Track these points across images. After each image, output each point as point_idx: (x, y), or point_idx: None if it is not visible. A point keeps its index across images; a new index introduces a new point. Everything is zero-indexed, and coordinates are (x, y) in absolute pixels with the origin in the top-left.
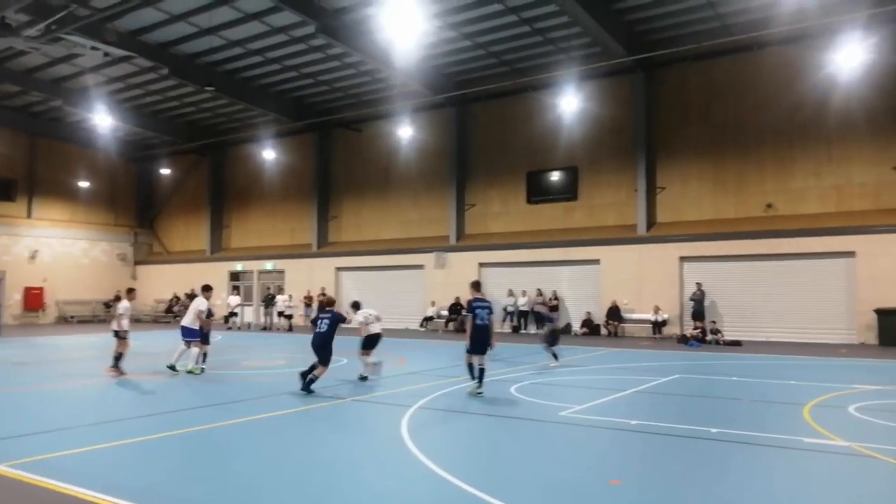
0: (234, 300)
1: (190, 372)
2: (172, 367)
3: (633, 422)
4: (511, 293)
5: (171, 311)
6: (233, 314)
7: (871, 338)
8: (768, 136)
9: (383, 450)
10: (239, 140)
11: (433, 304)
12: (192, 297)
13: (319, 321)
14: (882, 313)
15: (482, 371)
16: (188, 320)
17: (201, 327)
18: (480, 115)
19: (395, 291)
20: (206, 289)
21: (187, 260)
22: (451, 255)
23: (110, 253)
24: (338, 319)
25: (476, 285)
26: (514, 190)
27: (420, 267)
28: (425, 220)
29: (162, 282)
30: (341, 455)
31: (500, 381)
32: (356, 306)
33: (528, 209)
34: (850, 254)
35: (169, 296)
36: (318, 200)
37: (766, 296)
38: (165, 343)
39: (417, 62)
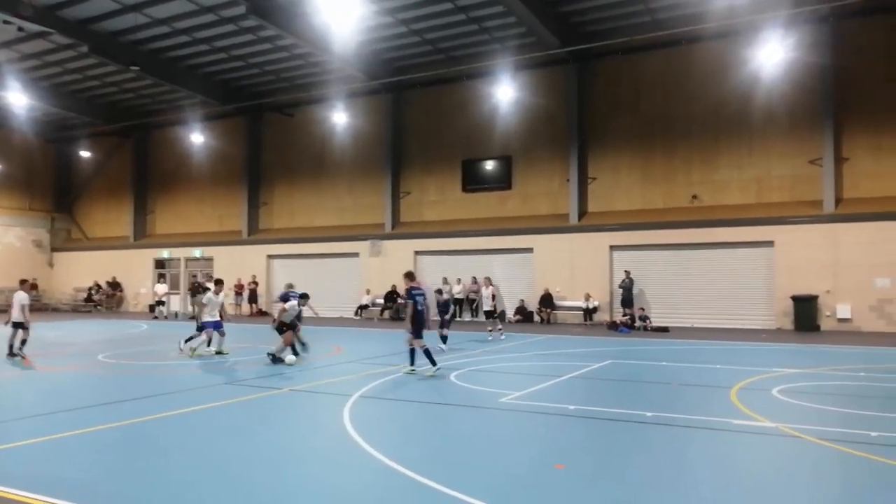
0: (161, 288)
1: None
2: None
3: (572, 407)
4: (446, 281)
5: (91, 299)
6: (160, 303)
7: (788, 323)
8: (695, 129)
9: (326, 441)
10: (164, 122)
11: (368, 292)
12: (114, 285)
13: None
14: (797, 300)
15: (428, 351)
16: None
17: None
18: (417, 102)
19: (330, 280)
20: (217, 283)
21: (109, 247)
22: (387, 243)
23: (25, 239)
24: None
25: (410, 275)
26: (449, 178)
27: (355, 255)
28: (360, 207)
29: (81, 269)
30: (283, 448)
31: (440, 369)
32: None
33: (463, 197)
34: (769, 243)
35: (89, 283)
36: (249, 186)
37: (691, 283)
38: (85, 333)
39: (353, 47)
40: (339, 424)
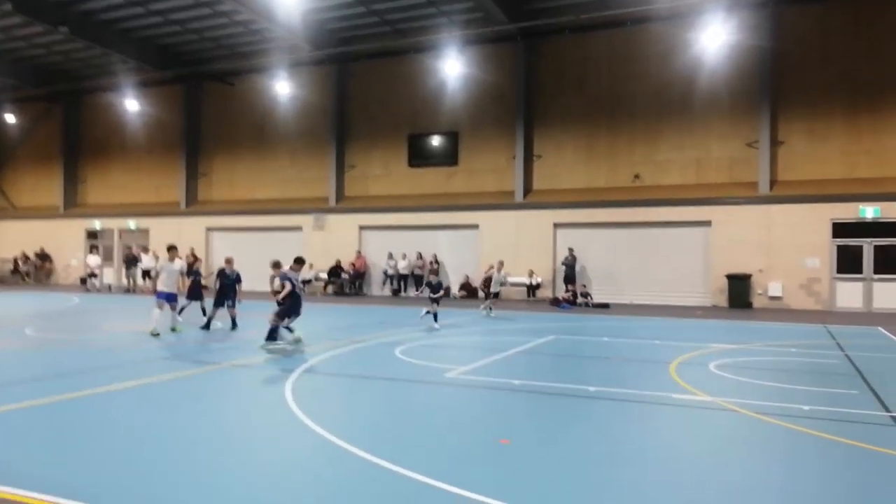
0: (94, 260)
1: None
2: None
3: (516, 381)
4: (391, 256)
5: (17, 270)
6: (92, 275)
7: (723, 300)
8: (639, 110)
9: (267, 417)
10: (97, 88)
11: (311, 266)
12: (42, 256)
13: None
14: (732, 278)
15: (290, 329)
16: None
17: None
18: (362, 74)
19: (271, 253)
20: (171, 249)
21: (37, 216)
22: (331, 217)
23: None
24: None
25: (277, 264)
26: (395, 153)
27: (298, 229)
28: (304, 180)
29: (7, 240)
30: (224, 425)
31: (385, 344)
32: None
33: (409, 172)
34: (707, 223)
35: (16, 254)
36: (187, 156)
37: (632, 261)
38: (11, 306)
39: (297, 15)
40: (282, 400)
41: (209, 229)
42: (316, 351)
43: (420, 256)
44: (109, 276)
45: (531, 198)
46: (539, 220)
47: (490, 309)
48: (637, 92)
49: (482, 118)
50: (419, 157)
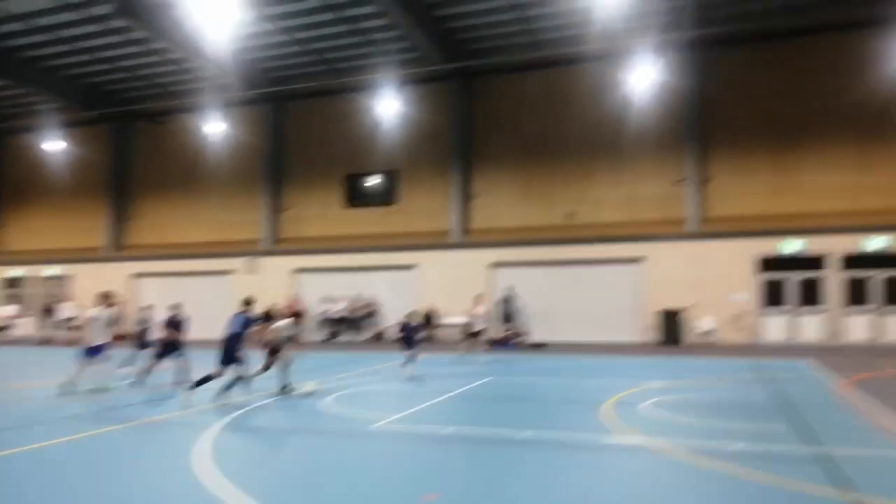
0: (8, 311)
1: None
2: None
3: (448, 429)
4: (328, 299)
5: None
6: (3, 328)
7: (655, 337)
8: (573, 148)
9: (175, 479)
10: (19, 128)
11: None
12: None
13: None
14: (664, 314)
15: (208, 378)
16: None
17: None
18: (298, 114)
19: (201, 299)
20: (106, 296)
21: None
22: (265, 260)
23: None
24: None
25: (247, 302)
26: (332, 193)
27: (230, 272)
28: (237, 222)
29: None
30: (127, 492)
31: (315, 393)
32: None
33: (346, 213)
34: (640, 260)
35: None
36: (114, 198)
37: (568, 299)
38: None
39: (230, 54)
40: (195, 459)
41: (136, 275)
42: (240, 403)
43: (357, 299)
44: (29, 326)
45: (469, 237)
46: (477, 260)
47: (473, 352)
48: (571, 131)
49: (420, 158)
50: (356, 197)
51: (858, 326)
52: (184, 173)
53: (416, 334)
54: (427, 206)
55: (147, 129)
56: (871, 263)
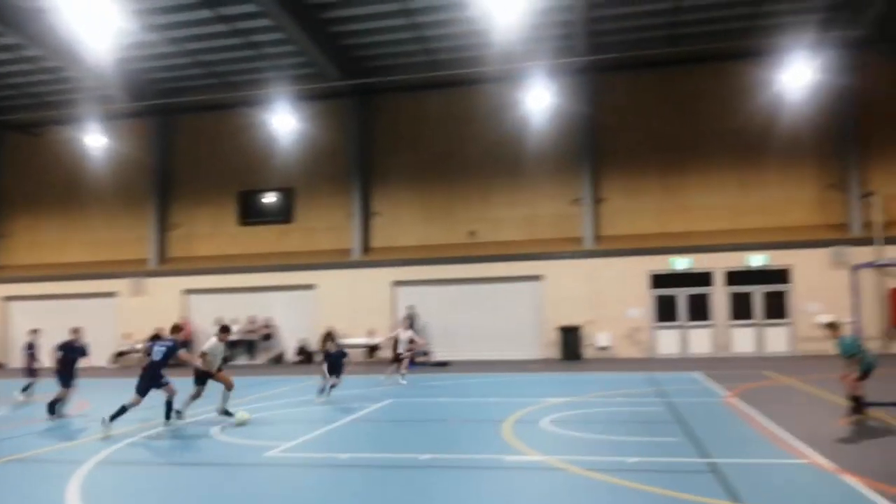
0: None
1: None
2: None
3: (344, 455)
4: (222, 321)
5: None
6: None
7: (555, 353)
8: (472, 168)
9: None
10: None
11: (128, 336)
12: None
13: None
14: (563, 330)
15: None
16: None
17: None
18: (188, 128)
19: (81, 323)
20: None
21: None
22: (151, 281)
23: None
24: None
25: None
26: (225, 210)
27: (114, 294)
28: (120, 241)
29: None
30: None
31: (204, 422)
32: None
33: (240, 231)
34: (538, 277)
35: None
36: None
37: (470, 317)
38: None
39: (112, 63)
40: (62, 498)
41: (7, 298)
42: (119, 435)
43: (253, 320)
44: None
45: (369, 256)
46: (378, 279)
47: (402, 374)
48: (471, 150)
49: (318, 175)
50: (251, 214)
51: (743, 339)
52: (63, 189)
53: (342, 358)
54: (326, 224)
55: (20, 141)
56: (753, 279)
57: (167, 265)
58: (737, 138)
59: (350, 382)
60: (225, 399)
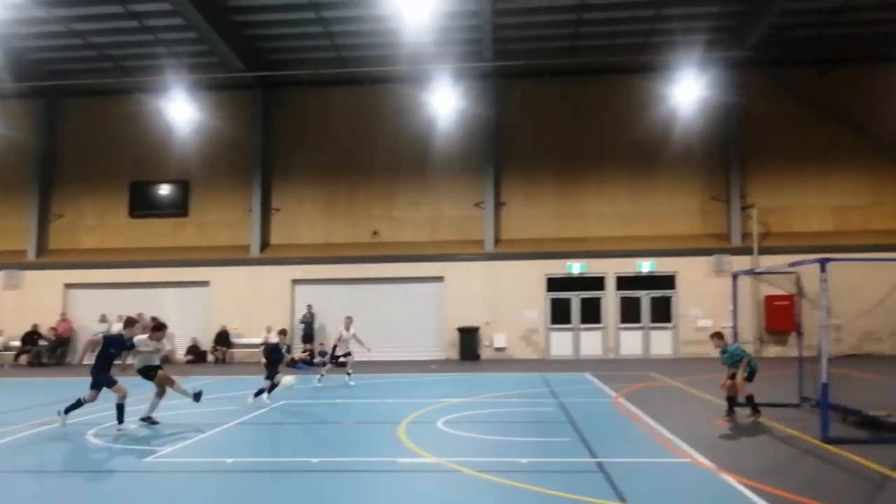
0: None
1: None
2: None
3: (230, 460)
4: (104, 319)
5: None
6: None
7: (454, 353)
8: (377, 167)
9: None
10: None
11: (0, 332)
12: None
13: None
14: (463, 331)
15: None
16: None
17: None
18: (77, 113)
19: None
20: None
21: None
22: (28, 274)
23: None
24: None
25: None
26: (115, 201)
27: None
28: None
29: None
30: None
31: (81, 424)
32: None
33: (130, 223)
34: (440, 278)
35: None
36: None
37: (372, 317)
38: None
39: None
40: None
41: None
42: None
43: (140, 318)
44: None
45: (268, 253)
46: (276, 276)
47: (320, 377)
48: (376, 149)
49: (217, 167)
50: (143, 206)
51: (631, 341)
52: None
53: (281, 358)
54: (224, 218)
55: None
56: (642, 284)
57: (47, 257)
58: (630, 149)
59: (244, 383)
60: (153, 406)
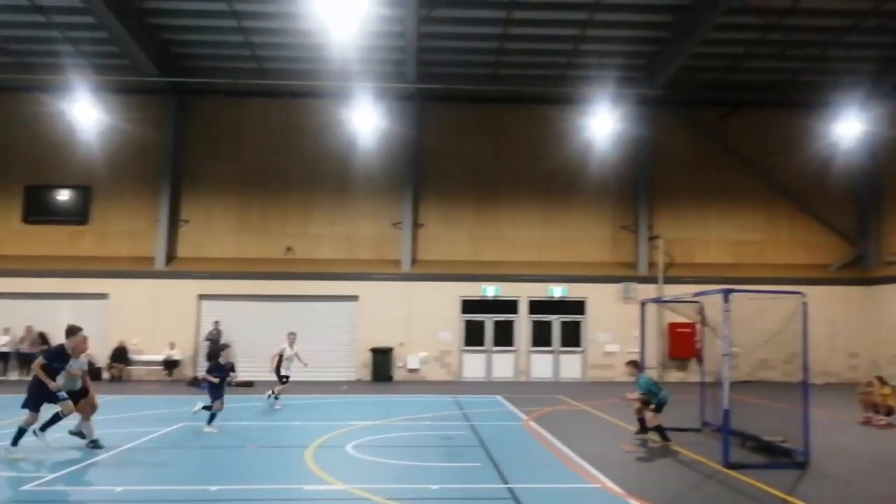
0: None
1: None
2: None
3: (119, 488)
4: (7, 331)
5: None
6: None
7: (367, 374)
8: (293, 182)
9: None
10: None
11: None
12: None
13: None
14: (375, 352)
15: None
16: None
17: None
18: None
19: None
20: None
21: None
22: None
23: None
24: None
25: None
26: (7, 206)
27: None
28: None
29: None
30: None
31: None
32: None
33: (24, 230)
34: (355, 298)
35: None
36: None
37: (281, 335)
38: None
39: None
40: None
41: None
42: None
43: (29, 331)
44: None
45: (174, 265)
46: (182, 291)
47: (275, 397)
48: (293, 164)
49: (122, 174)
50: (39, 212)
51: (542, 365)
52: None
53: (226, 376)
54: (127, 228)
55: None
56: (553, 309)
57: None
58: (546, 177)
59: (142, 402)
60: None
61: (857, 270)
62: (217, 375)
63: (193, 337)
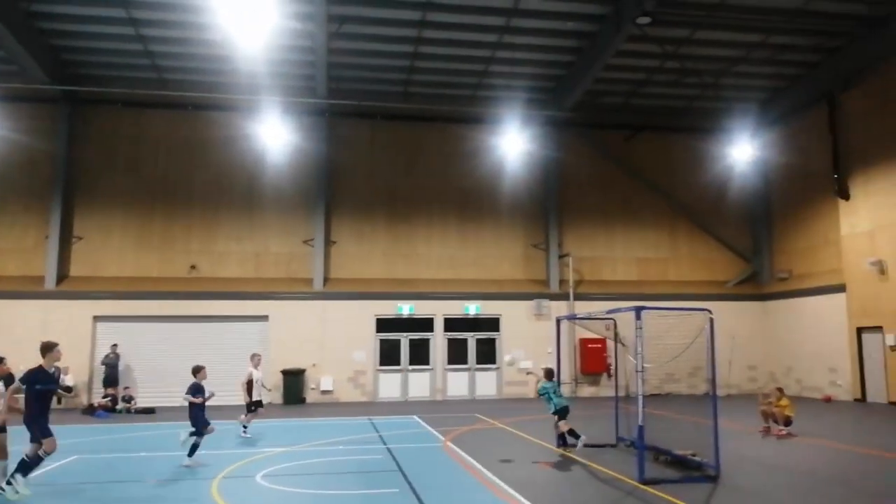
0: None
1: None
2: None
3: None
4: None
5: None
6: None
7: (278, 397)
8: (197, 197)
9: None
10: None
11: None
12: None
13: None
14: (287, 373)
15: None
16: None
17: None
18: None
19: None
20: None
21: None
22: None
23: None
24: None
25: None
26: None
27: None
28: None
29: None
30: None
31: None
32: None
33: None
34: (265, 318)
35: None
36: None
37: (185, 359)
38: None
39: None
40: None
41: None
42: None
43: None
44: None
45: (66, 285)
46: (75, 312)
47: (244, 426)
48: (197, 178)
49: (8, 187)
50: None
51: (458, 383)
52: None
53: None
54: (14, 245)
55: None
56: (468, 327)
57: None
58: (459, 194)
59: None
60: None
61: (753, 286)
62: (198, 396)
63: (88, 361)
